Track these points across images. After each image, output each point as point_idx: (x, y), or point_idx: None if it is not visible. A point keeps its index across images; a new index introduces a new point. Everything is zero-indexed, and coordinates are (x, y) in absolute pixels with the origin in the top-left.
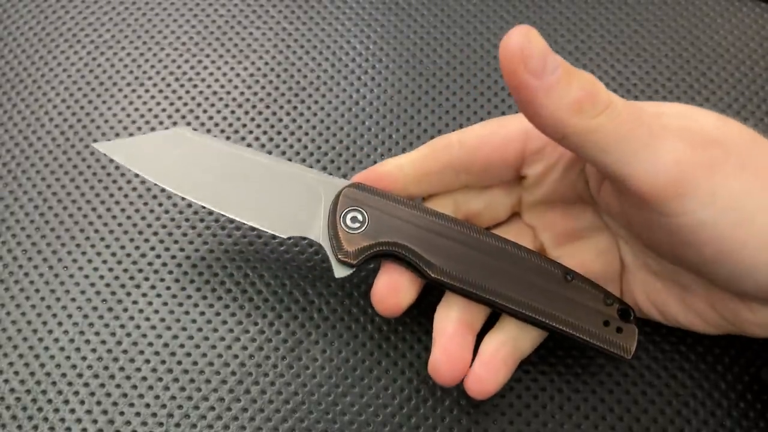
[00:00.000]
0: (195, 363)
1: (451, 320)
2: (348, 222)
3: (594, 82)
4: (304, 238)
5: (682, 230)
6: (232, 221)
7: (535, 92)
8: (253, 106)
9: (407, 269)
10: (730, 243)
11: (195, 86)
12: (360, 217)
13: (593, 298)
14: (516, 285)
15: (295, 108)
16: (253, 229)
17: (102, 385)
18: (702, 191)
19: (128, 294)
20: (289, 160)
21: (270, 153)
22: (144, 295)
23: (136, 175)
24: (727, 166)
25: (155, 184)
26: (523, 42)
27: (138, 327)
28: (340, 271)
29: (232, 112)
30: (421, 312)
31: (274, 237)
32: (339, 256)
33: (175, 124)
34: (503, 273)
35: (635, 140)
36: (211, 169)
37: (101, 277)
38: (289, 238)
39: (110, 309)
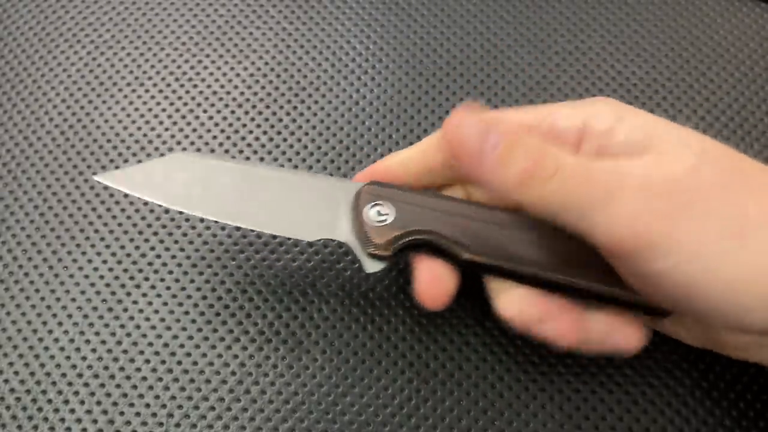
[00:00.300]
0: (195, 363)
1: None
2: (373, 216)
3: (540, 148)
4: (331, 240)
5: (649, 277)
6: None
7: (478, 172)
8: (253, 106)
9: (440, 258)
10: (696, 288)
11: (195, 86)
12: (385, 210)
13: None
14: (558, 255)
15: (295, 108)
16: (253, 229)
17: (102, 385)
18: (663, 241)
19: (128, 294)
20: (290, 160)
21: (270, 153)
22: (144, 295)
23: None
24: (692, 213)
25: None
26: (458, 128)
27: (138, 327)
28: (371, 267)
29: (232, 112)
30: (422, 313)
31: (274, 236)
32: (369, 251)
33: (175, 124)
34: (540, 244)
35: (589, 200)
36: (223, 187)
37: (101, 277)
38: (314, 243)
39: (110, 309)
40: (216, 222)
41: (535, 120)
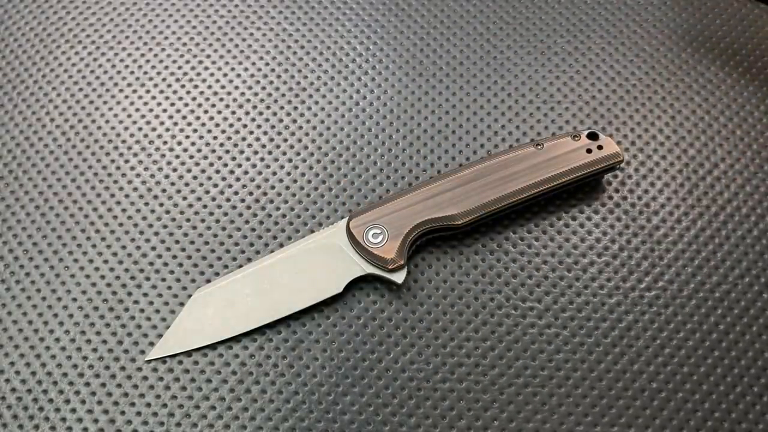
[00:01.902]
0: (196, 362)
1: None
2: (372, 240)
3: None
4: (359, 281)
5: None
6: (232, 221)
7: None
8: (254, 107)
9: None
10: None
11: (195, 86)
12: (378, 230)
13: (565, 145)
14: (515, 180)
15: (295, 108)
16: (253, 229)
17: (103, 385)
18: None
19: (129, 294)
20: (290, 161)
21: (270, 153)
22: (145, 294)
23: (138, 175)
24: None
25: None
26: None
27: (139, 327)
28: (399, 277)
29: (233, 112)
30: (424, 311)
31: (275, 237)
32: (390, 267)
33: (175, 124)
34: (502, 180)
35: None
36: (247, 297)
37: (102, 276)
38: (346, 287)
39: (111, 309)
40: (217, 222)
41: None
